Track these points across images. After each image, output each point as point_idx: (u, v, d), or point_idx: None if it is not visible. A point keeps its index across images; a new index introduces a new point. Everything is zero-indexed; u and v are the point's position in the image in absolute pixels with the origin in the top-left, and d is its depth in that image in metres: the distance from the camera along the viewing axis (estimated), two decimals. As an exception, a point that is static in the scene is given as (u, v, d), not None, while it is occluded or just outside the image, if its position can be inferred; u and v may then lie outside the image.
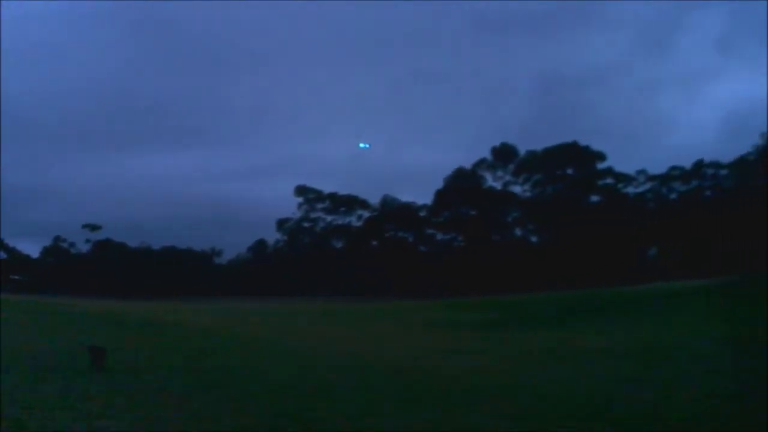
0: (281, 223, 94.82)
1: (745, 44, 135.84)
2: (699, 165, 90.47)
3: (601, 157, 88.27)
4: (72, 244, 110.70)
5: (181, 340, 23.82)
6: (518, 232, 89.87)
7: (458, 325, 33.08)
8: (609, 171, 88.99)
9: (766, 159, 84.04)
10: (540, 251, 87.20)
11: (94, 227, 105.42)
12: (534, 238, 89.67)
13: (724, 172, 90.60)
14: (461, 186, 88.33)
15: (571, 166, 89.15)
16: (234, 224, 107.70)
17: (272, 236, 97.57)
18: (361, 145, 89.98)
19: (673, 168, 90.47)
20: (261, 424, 9.09)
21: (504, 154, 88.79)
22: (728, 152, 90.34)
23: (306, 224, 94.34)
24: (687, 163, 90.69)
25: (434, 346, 22.60)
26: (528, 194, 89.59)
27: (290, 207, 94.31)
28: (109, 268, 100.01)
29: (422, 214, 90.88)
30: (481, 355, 19.41)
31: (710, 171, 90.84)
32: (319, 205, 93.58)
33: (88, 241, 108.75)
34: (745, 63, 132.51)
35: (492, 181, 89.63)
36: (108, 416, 9.28)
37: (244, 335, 27.57)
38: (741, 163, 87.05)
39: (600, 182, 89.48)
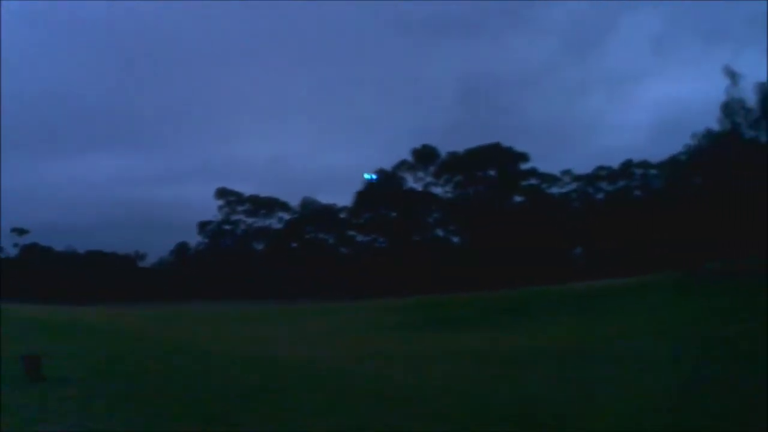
0: (203, 226, 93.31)
1: (678, 45, 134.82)
2: (627, 165, 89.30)
3: (525, 157, 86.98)
4: (1, 249, 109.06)
5: (110, 345, 23.63)
6: (440, 232, 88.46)
7: (381, 327, 32.77)
8: (532, 171, 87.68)
9: (699, 159, 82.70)
10: (462, 252, 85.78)
11: (22, 231, 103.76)
12: (456, 239, 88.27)
13: (653, 172, 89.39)
14: (382, 187, 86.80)
15: (493, 167, 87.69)
16: (157, 227, 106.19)
17: (194, 239, 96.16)
18: (367, 176, 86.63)
19: (600, 168, 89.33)
20: (191, 427, 9.33)
21: (425, 155, 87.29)
22: (660, 153, 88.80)
23: (227, 227, 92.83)
24: (616, 163, 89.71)
25: (358, 347, 22.51)
26: (449, 195, 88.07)
27: (211, 210, 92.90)
28: (36, 272, 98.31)
29: (343, 215, 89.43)
30: (404, 356, 19.30)
31: (639, 171, 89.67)
32: (240, 208, 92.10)
33: (16, 245, 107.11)
34: (677, 64, 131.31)
35: (413, 182, 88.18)
36: (44, 423, 9.42)
37: (170, 339, 27.45)
38: (672, 163, 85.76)
39: (523, 183, 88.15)
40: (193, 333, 31.52)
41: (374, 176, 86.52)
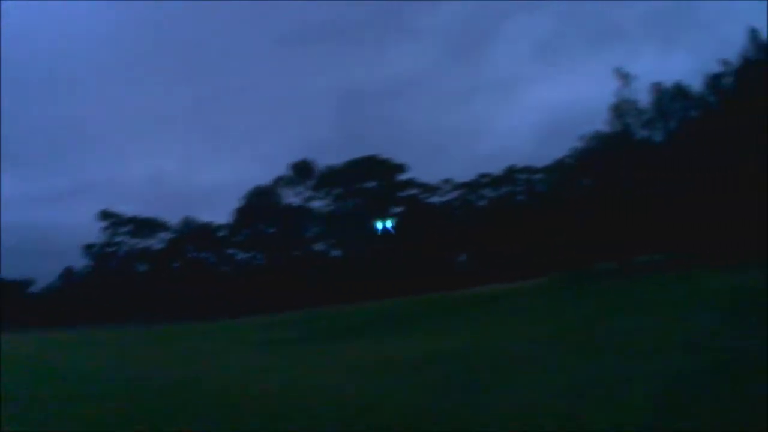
0: (87, 249, 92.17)
1: (567, 49, 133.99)
2: (511, 171, 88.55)
3: (403, 168, 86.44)
4: None
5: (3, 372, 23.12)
6: (320, 246, 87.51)
7: (265, 343, 32.20)
8: (411, 182, 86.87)
9: (586, 161, 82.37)
10: (343, 265, 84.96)
11: None
12: (336, 252, 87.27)
13: (539, 176, 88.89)
14: (260, 204, 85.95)
15: (371, 179, 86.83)
16: (45, 252, 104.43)
17: (80, 263, 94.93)
18: (379, 224, 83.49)
19: (483, 175, 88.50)
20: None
21: (303, 170, 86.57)
22: (549, 157, 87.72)
23: (110, 249, 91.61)
24: (501, 170, 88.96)
25: (244, 364, 22.20)
26: (328, 209, 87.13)
27: (95, 232, 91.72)
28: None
29: (222, 233, 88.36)
30: (290, 370, 18.97)
31: (523, 176, 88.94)
32: (122, 229, 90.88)
33: None
34: (566, 68, 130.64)
35: (291, 197, 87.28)
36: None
37: (60, 364, 27.13)
38: (558, 166, 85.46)
39: (402, 193, 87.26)
40: (77, 357, 31.42)
41: (389, 224, 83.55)
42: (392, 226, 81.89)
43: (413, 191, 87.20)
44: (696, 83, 70.50)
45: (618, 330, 19.05)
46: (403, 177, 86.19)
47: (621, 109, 79.25)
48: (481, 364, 15.97)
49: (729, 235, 51.62)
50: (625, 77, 76.45)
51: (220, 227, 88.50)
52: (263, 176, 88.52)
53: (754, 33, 64.57)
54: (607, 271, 55.98)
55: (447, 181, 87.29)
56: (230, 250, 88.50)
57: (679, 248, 56.73)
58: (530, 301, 36.08)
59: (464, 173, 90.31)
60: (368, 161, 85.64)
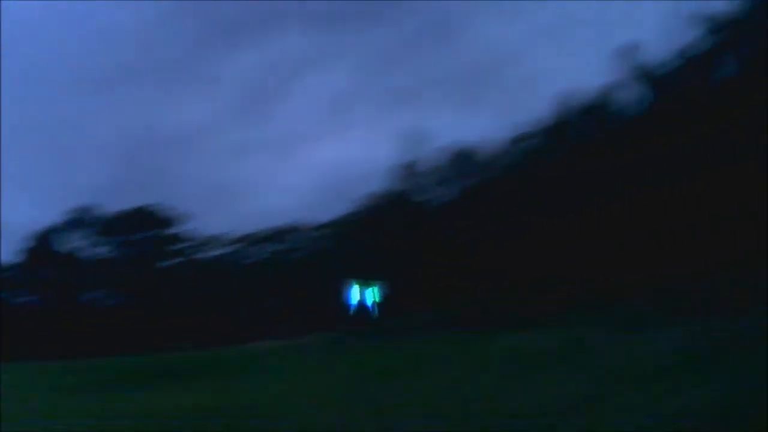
0: None
1: (355, 109, 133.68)
2: (289, 227, 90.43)
3: (179, 220, 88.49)
4: None
5: None
6: (94, 295, 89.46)
7: (36, 390, 32.18)
8: (185, 235, 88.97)
9: (367, 219, 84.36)
10: (118, 315, 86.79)
11: None
12: (112, 302, 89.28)
13: (319, 232, 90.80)
14: (39, 248, 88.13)
15: (148, 229, 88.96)
16: None
17: None
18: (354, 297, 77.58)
19: (260, 231, 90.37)
20: None
21: (81, 216, 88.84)
22: (331, 215, 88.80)
23: None
24: (282, 225, 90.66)
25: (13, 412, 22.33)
26: (106, 257, 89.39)
27: None
28: None
29: (5, 275, 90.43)
30: (60, 419, 19.49)
31: (302, 233, 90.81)
32: None
33: None
34: (356, 126, 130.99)
35: (69, 243, 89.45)
36: None
37: None
38: (340, 223, 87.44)
39: (178, 246, 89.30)
40: None
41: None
42: (373, 301, 70.46)
43: (188, 244, 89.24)
44: (497, 144, 72.29)
45: (384, 389, 19.43)
46: (176, 229, 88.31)
47: (409, 169, 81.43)
48: (236, 420, 16.41)
49: (513, 295, 53.42)
50: (416, 138, 78.53)
51: (4, 269, 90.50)
52: (41, 221, 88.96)
53: (563, 95, 66.53)
54: (387, 328, 57.64)
55: (224, 234, 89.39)
56: (6, 294, 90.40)
57: (459, 307, 58.62)
58: (300, 359, 37.06)
59: (247, 227, 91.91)
60: (147, 211, 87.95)
